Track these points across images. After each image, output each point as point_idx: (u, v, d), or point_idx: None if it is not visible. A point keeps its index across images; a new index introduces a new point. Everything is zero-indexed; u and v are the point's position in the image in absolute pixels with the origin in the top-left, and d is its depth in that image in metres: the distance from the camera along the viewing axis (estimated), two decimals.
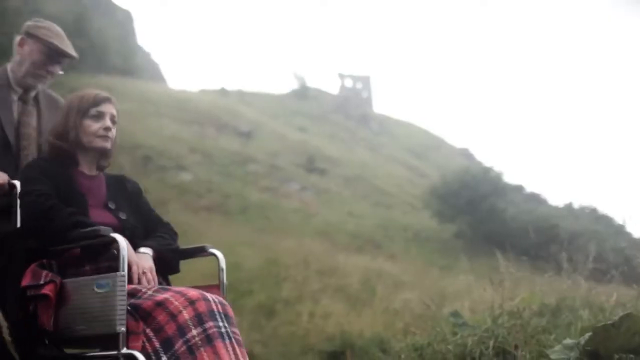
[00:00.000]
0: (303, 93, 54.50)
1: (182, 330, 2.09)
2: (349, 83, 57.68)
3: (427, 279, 14.62)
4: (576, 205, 37.77)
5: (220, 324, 2.16)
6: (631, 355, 2.40)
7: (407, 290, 12.30)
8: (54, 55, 2.90)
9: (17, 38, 2.89)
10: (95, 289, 2.15)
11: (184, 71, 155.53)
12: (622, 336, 2.34)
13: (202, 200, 21.92)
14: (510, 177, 43.65)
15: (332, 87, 60.16)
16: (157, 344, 2.08)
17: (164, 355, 2.05)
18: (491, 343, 3.15)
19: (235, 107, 38.36)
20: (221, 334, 2.12)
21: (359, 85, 58.08)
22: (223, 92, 49.58)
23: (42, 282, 2.19)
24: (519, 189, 39.16)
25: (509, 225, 26.07)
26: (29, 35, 2.86)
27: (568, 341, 2.58)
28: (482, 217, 27.54)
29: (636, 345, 2.34)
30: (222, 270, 2.92)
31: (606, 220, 34.81)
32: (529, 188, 40.45)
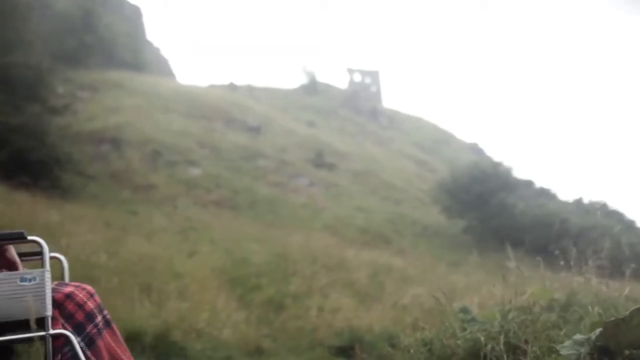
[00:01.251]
0: (312, 88, 54.47)
1: (90, 317, 2.59)
2: (357, 78, 57.65)
3: (436, 274, 14.61)
4: (586, 201, 37.58)
5: (105, 311, 2.72)
6: None
7: (415, 285, 12.29)
8: None
9: None
10: (19, 282, 2.54)
11: (193, 66, 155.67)
12: (633, 331, 2.32)
13: (211, 195, 21.95)
14: (520, 172, 43.40)
15: (341, 82, 60.04)
16: (69, 329, 2.50)
17: (78, 337, 2.48)
18: (501, 338, 3.14)
19: (244, 102, 38.38)
20: (109, 319, 2.72)
21: (367, 80, 58.03)
22: (232, 87, 49.64)
23: None
24: (528, 184, 39.01)
25: (518, 220, 26.04)
26: None
27: (578, 336, 2.56)
28: (491, 212, 27.49)
29: None
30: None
31: (617, 215, 34.63)
32: (539, 183, 40.20)
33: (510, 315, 3.42)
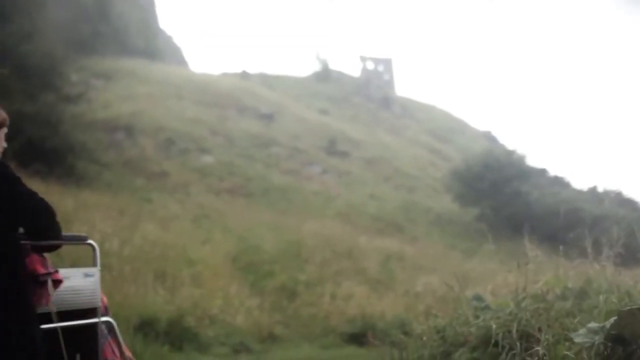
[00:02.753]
0: (325, 75, 54.29)
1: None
2: (370, 65, 57.34)
3: (449, 262, 14.59)
4: (600, 189, 37.36)
5: None
6: None
7: (428, 273, 12.28)
8: None
9: None
10: (84, 278, 3.16)
11: (205, 54, 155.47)
12: None
13: (224, 183, 21.99)
14: (534, 161, 43.19)
15: (354, 70, 59.79)
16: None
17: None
18: (514, 326, 3.13)
19: (257, 90, 38.35)
20: None
21: (380, 68, 57.71)
22: (244, 75, 49.57)
23: (51, 270, 2.86)
24: (542, 172, 38.79)
25: (532, 208, 25.92)
26: None
27: (593, 325, 2.54)
28: (505, 200, 27.38)
29: None
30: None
31: (631, 204, 34.41)
32: (553, 171, 40.02)
33: (524, 304, 3.41)
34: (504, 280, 5.69)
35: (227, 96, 33.04)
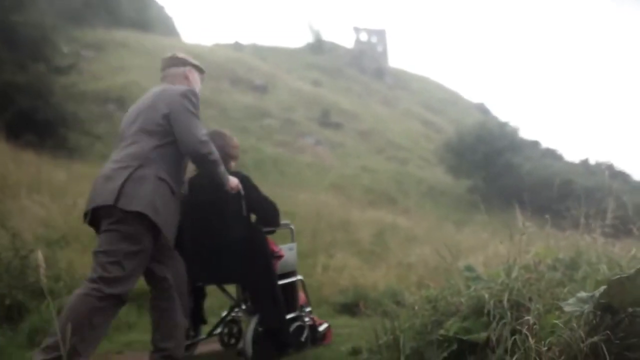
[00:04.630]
0: (318, 47, 54.03)
1: None
2: (364, 37, 57.04)
3: (441, 233, 14.67)
4: (592, 162, 37.57)
5: None
6: None
7: (421, 244, 12.35)
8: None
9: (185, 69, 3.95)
10: (289, 250, 4.62)
11: (197, 25, 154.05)
12: (637, 289, 2.33)
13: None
14: (527, 133, 43.38)
15: (347, 41, 59.57)
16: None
17: None
18: (505, 296, 3.16)
19: (250, 61, 38.11)
20: None
21: (374, 39, 57.42)
22: (237, 46, 49.25)
23: (277, 248, 4.38)
24: (535, 144, 38.93)
25: (524, 180, 26.04)
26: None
27: (582, 294, 2.57)
28: (497, 172, 27.53)
29: None
30: None
31: (623, 176, 34.63)
32: (545, 144, 40.20)
33: (515, 274, 3.44)
34: (496, 251, 5.74)
35: (220, 68, 32.82)
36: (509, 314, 3.03)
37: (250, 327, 3.97)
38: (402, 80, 53.62)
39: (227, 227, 4.00)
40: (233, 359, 4.17)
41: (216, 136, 4.19)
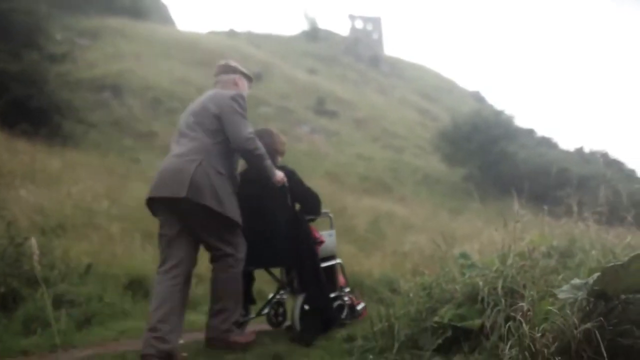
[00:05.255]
0: (313, 34, 53.86)
1: None
2: (359, 24, 56.86)
3: (437, 221, 14.70)
4: (587, 150, 37.66)
5: None
6: (638, 296, 2.41)
7: (416, 232, 12.38)
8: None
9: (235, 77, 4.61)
10: (329, 237, 5.03)
11: (192, 13, 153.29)
12: (631, 277, 2.35)
13: None
14: (522, 121, 43.47)
15: (343, 29, 59.40)
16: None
17: None
18: (500, 283, 3.18)
19: (245, 49, 37.98)
20: None
21: (369, 27, 57.25)
22: (232, 33, 49.07)
23: (319, 235, 4.86)
24: (530, 132, 38.99)
25: (519, 168, 26.09)
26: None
27: (576, 281, 2.58)
28: (492, 160, 27.53)
29: None
30: None
31: (617, 165, 34.75)
32: (540, 132, 40.26)
33: (509, 261, 3.45)
34: (490, 239, 5.75)
35: (215, 55, 32.65)
36: (503, 301, 3.05)
37: (297, 305, 4.40)
38: (398, 68, 53.55)
39: (274, 216, 4.44)
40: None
41: (264, 134, 4.73)
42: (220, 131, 4.01)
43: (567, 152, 36.76)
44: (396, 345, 3.35)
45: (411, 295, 3.89)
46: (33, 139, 13.17)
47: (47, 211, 8.17)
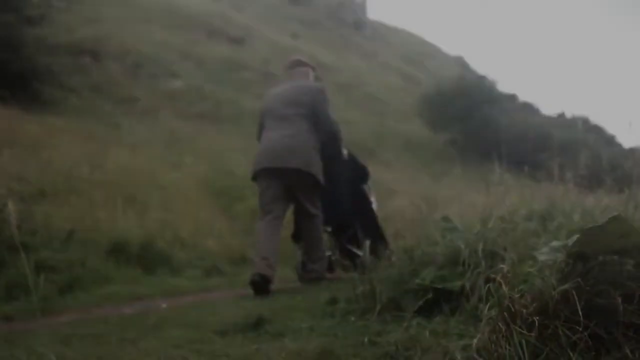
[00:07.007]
0: None
1: None
2: None
3: (419, 186, 14.77)
4: (569, 115, 37.87)
5: None
6: (615, 257, 2.44)
7: (398, 196, 12.44)
8: None
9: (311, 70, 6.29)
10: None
11: None
12: (609, 238, 2.37)
13: (194, 108, 21.72)
14: (504, 86, 43.44)
15: None
16: None
17: None
18: (481, 245, 3.21)
19: (227, 13, 37.43)
20: None
21: None
22: None
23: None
24: (512, 98, 39.05)
25: (502, 134, 26.17)
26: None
27: (555, 243, 2.61)
28: (475, 125, 27.60)
29: (621, 247, 2.39)
30: None
31: (598, 130, 35.03)
32: (522, 97, 40.34)
33: (490, 224, 3.48)
34: (472, 203, 5.80)
35: (197, 19, 32.21)
36: (483, 263, 3.08)
37: (365, 248, 4.60)
38: (381, 33, 53.15)
39: (342, 184, 5.98)
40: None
41: None
42: (311, 116, 5.35)
43: (549, 118, 36.92)
44: (378, 307, 3.38)
45: (393, 258, 3.91)
46: (11, 104, 12.96)
47: (27, 178, 8.09)
